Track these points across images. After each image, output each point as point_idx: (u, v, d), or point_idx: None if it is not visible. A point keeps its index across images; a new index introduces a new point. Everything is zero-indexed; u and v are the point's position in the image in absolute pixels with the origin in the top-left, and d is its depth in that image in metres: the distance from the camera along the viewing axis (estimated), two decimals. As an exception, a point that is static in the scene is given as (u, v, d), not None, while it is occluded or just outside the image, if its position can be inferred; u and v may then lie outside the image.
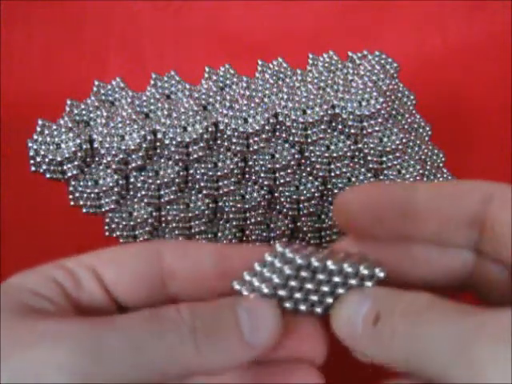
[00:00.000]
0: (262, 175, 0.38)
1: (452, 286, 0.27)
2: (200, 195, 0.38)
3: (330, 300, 0.25)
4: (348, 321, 0.25)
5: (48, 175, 0.36)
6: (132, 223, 0.38)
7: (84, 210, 0.37)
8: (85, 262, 0.26)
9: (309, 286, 0.25)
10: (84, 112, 0.36)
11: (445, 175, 0.43)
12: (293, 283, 0.25)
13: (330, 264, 0.25)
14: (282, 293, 0.25)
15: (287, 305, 0.25)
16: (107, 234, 0.39)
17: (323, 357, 0.27)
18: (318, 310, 0.26)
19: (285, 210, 0.40)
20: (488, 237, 0.25)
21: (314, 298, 0.25)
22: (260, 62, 0.39)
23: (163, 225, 0.39)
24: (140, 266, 0.26)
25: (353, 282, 0.25)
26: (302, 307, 0.25)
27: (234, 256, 0.27)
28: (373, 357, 0.24)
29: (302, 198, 0.39)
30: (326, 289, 0.25)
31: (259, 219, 0.39)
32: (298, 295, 0.25)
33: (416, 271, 0.27)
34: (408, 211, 0.26)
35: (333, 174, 0.39)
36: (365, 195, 0.26)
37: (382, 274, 0.25)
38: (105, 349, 0.22)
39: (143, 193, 0.37)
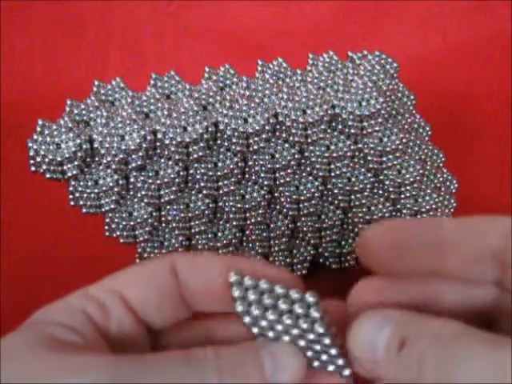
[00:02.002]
0: (262, 175, 0.38)
1: (475, 321, 0.27)
2: (200, 195, 0.38)
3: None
4: (368, 345, 0.24)
5: (48, 175, 0.36)
6: (132, 223, 0.38)
7: (84, 210, 0.37)
8: (109, 287, 0.26)
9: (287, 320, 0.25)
10: (84, 112, 0.36)
11: (445, 175, 0.43)
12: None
13: (277, 288, 0.25)
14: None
15: None
16: (107, 234, 0.39)
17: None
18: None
19: (285, 210, 0.40)
20: (508, 272, 0.25)
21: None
22: (260, 62, 0.39)
23: (163, 225, 0.39)
24: (162, 283, 0.26)
25: (299, 310, 0.24)
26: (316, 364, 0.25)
27: (242, 269, 0.27)
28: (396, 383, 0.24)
29: (302, 197, 0.39)
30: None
31: (259, 219, 0.39)
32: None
33: (439, 306, 0.27)
34: (432, 248, 0.26)
35: (333, 174, 0.39)
36: (388, 234, 0.26)
37: (311, 299, 0.24)
38: None
39: (143, 193, 0.37)
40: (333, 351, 0.25)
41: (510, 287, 0.25)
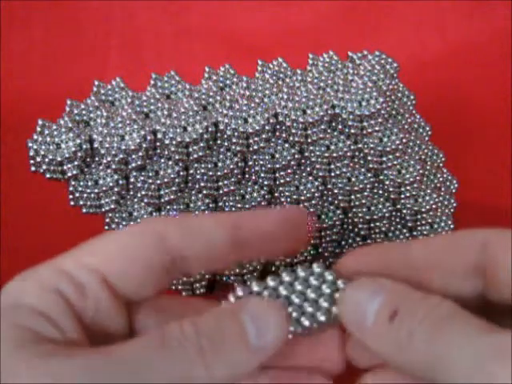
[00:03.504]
0: (262, 175, 0.38)
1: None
2: (200, 195, 0.38)
3: (325, 304, 0.25)
4: (359, 311, 0.24)
5: (48, 175, 0.36)
6: (132, 223, 0.38)
7: (84, 210, 0.37)
8: (84, 261, 0.25)
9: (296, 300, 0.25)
10: (84, 112, 0.36)
11: (445, 175, 0.43)
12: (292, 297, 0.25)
13: (299, 271, 0.26)
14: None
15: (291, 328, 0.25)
16: (107, 234, 0.39)
17: (340, 366, 0.27)
18: (322, 318, 0.25)
19: (285, 210, 0.40)
20: (491, 283, 0.25)
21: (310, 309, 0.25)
22: (260, 62, 0.39)
23: (163, 225, 0.39)
24: (144, 255, 0.25)
25: (329, 277, 0.25)
26: (306, 322, 0.25)
27: (244, 225, 0.26)
28: (382, 354, 0.24)
29: (302, 197, 0.39)
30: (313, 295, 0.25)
31: (259, 219, 0.39)
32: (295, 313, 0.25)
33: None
34: (407, 272, 0.26)
35: (333, 174, 0.39)
36: (361, 262, 0.26)
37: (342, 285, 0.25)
38: (112, 378, 0.22)
39: (143, 193, 0.37)
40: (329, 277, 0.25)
41: (495, 299, 0.25)
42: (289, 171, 0.38)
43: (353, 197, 0.40)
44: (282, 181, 0.38)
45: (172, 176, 0.36)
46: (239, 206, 0.39)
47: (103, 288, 0.25)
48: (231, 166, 0.37)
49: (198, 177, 0.37)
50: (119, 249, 0.25)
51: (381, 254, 0.27)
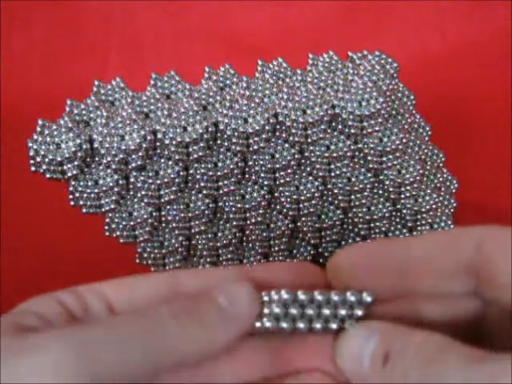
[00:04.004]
0: (262, 175, 0.38)
1: (462, 333, 0.27)
2: (200, 195, 0.38)
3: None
4: (354, 357, 0.24)
5: (48, 175, 0.36)
6: (132, 223, 0.38)
7: (84, 210, 0.37)
8: (96, 287, 0.27)
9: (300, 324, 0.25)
10: (84, 112, 0.36)
11: (445, 175, 0.43)
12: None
13: (316, 294, 0.25)
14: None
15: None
16: (107, 234, 0.39)
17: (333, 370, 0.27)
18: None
19: (285, 210, 0.40)
20: (484, 281, 0.25)
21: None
22: (260, 62, 0.39)
23: (163, 225, 0.39)
24: (154, 291, 0.27)
25: (342, 312, 0.25)
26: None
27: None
28: None
29: (302, 197, 0.39)
30: (318, 326, 0.25)
31: (259, 219, 0.39)
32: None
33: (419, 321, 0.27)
34: (402, 268, 0.26)
35: (333, 174, 0.39)
36: (356, 258, 0.26)
37: (369, 299, 0.25)
38: (92, 348, 0.22)
39: (143, 193, 0.37)
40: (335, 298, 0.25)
41: (488, 297, 0.25)
42: (289, 171, 0.38)
43: (353, 197, 0.40)
44: (281, 181, 0.38)
45: (172, 176, 0.36)
46: (239, 205, 0.39)
47: (105, 309, 0.26)
48: (231, 166, 0.37)
49: (198, 177, 0.37)
50: (129, 282, 0.27)
51: (375, 251, 0.27)
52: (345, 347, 0.25)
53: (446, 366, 0.22)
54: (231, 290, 0.25)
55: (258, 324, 0.25)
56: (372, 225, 0.41)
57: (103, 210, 0.37)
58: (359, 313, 0.25)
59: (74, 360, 0.22)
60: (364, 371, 0.24)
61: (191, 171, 0.37)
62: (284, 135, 0.37)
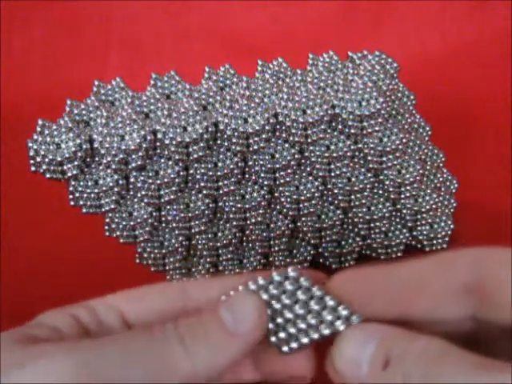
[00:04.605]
0: (262, 175, 0.38)
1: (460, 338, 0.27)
2: (200, 195, 0.38)
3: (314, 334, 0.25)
4: (352, 361, 0.24)
5: (48, 175, 0.36)
6: (132, 223, 0.38)
7: (84, 210, 0.37)
8: (109, 300, 0.27)
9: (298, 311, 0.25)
10: (84, 112, 0.36)
11: (445, 175, 0.43)
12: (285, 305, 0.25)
13: (315, 290, 0.26)
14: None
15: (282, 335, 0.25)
16: (107, 234, 0.39)
17: (311, 373, 0.27)
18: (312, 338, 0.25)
19: (285, 210, 0.40)
20: (482, 303, 0.25)
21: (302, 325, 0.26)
22: (260, 62, 0.39)
23: (163, 225, 0.39)
24: (163, 301, 0.27)
25: (328, 317, 0.25)
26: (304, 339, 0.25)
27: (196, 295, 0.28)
28: None
29: (302, 197, 0.39)
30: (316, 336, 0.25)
31: (259, 219, 0.39)
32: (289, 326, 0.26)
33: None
34: (397, 293, 0.26)
35: (333, 174, 0.39)
36: (351, 283, 0.26)
37: (357, 321, 0.25)
38: (96, 362, 0.23)
39: (143, 193, 0.37)
40: (330, 302, 0.25)
41: (490, 318, 0.25)
42: (289, 171, 0.38)
43: (353, 197, 0.40)
44: (281, 181, 0.38)
45: (172, 176, 0.36)
46: (239, 205, 0.39)
47: (119, 322, 0.27)
48: (231, 166, 0.37)
49: (198, 177, 0.37)
50: (141, 294, 0.28)
51: (368, 277, 0.26)
52: (343, 351, 0.25)
53: (448, 371, 0.22)
54: (236, 305, 0.25)
55: (273, 339, 0.25)
56: (372, 225, 0.41)
57: (103, 209, 0.37)
58: (341, 328, 0.25)
59: (78, 371, 0.22)
60: (363, 375, 0.24)
61: (191, 171, 0.37)
62: (284, 135, 0.37)
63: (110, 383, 0.23)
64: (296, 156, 0.37)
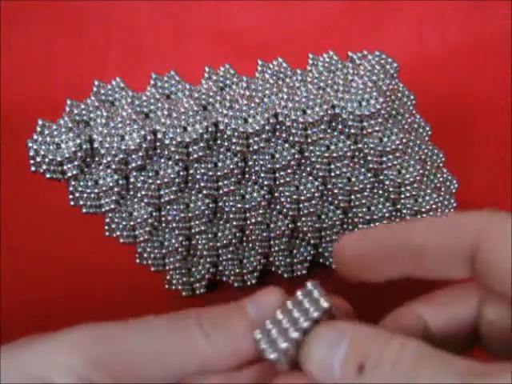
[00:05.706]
0: (262, 175, 0.38)
1: (460, 335, 0.27)
2: (200, 195, 0.38)
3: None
4: (322, 363, 0.23)
5: (48, 175, 0.36)
6: (132, 223, 0.38)
7: (84, 210, 0.37)
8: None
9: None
10: (84, 112, 0.36)
11: (445, 175, 0.43)
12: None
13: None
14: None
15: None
16: (107, 234, 0.39)
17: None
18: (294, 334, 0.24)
19: (285, 210, 0.40)
20: (484, 268, 0.25)
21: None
22: (260, 62, 0.39)
23: (163, 225, 0.39)
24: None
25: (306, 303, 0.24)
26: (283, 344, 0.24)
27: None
28: None
29: (302, 197, 0.39)
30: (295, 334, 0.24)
31: (259, 219, 0.39)
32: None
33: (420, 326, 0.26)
34: (406, 252, 0.26)
35: (333, 174, 0.39)
36: (361, 242, 0.26)
37: (326, 305, 0.24)
38: (113, 340, 0.23)
39: (143, 193, 0.37)
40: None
41: (487, 284, 0.25)
42: (289, 171, 0.38)
43: (353, 197, 0.40)
44: (281, 181, 0.38)
45: (172, 176, 0.36)
46: (239, 205, 0.39)
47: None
48: (231, 166, 0.37)
49: (198, 177, 0.37)
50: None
51: (377, 237, 0.26)
52: (311, 353, 0.23)
53: (425, 374, 0.21)
54: (258, 296, 0.25)
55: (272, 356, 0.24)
56: (372, 225, 0.41)
57: (103, 210, 0.37)
58: (315, 314, 0.24)
59: (93, 345, 0.23)
60: (336, 377, 0.23)
61: (191, 171, 0.37)
62: (284, 135, 0.37)
63: (125, 363, 0.23)
64: (296, 156, 0.37)
